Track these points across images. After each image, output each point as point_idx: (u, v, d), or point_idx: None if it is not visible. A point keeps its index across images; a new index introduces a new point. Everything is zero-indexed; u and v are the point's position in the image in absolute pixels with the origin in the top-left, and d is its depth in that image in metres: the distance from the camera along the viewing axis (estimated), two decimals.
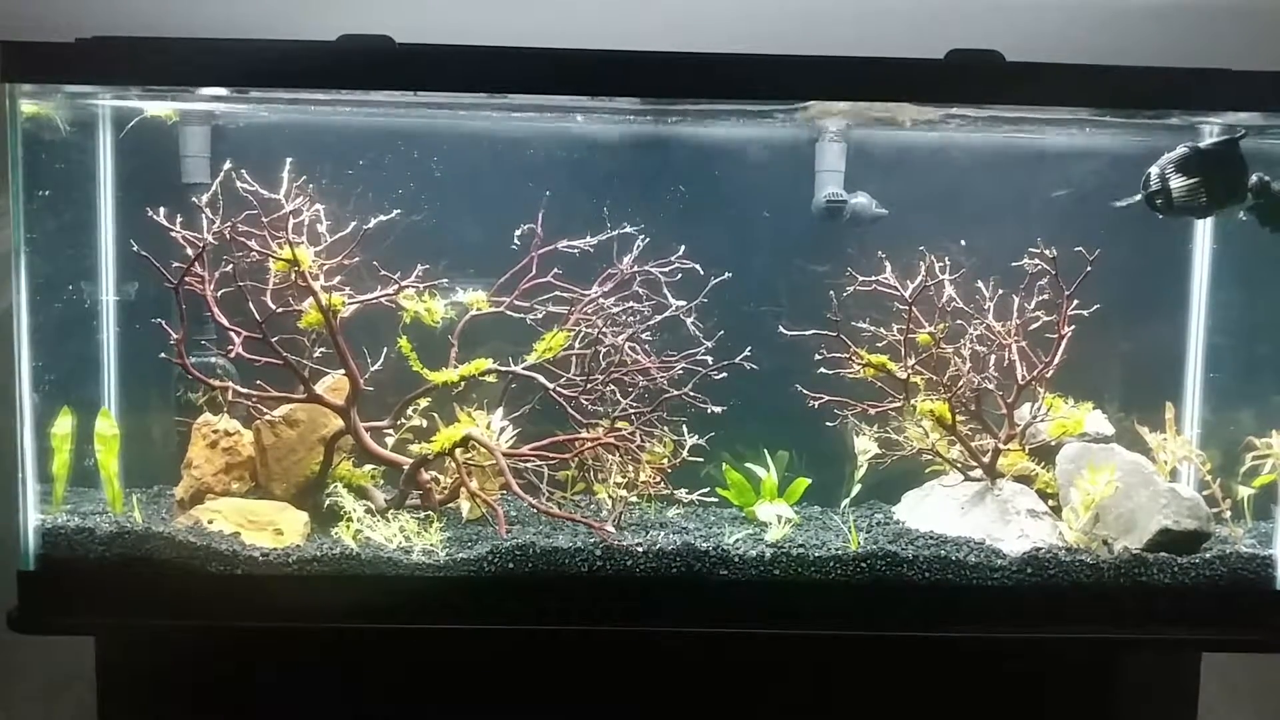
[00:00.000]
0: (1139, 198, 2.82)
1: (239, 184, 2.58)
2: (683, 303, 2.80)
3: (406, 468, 2.86)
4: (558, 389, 2.78)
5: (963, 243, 2.87)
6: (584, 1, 3.11)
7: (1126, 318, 3.08)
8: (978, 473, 2.99)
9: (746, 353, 2.79)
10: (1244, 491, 2.92)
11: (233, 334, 2.67)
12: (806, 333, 2.84)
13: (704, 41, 2.49)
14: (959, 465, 3.01)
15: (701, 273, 2.80)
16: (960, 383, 2.89)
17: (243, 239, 2.62)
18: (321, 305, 2.65)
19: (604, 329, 2.84)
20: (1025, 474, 3.01)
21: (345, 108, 2.97)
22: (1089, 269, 2.73)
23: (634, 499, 2.90)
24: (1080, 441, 2.95)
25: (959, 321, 2.88)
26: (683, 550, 2.65)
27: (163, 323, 2.66)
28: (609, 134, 3.12)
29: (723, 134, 3.13)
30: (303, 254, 2.63)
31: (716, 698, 2.73)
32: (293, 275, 2.65)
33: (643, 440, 2.85)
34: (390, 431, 2.91)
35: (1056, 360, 2.84)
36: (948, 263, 2.83)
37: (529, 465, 2.88)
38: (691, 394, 2.81)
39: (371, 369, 2.77)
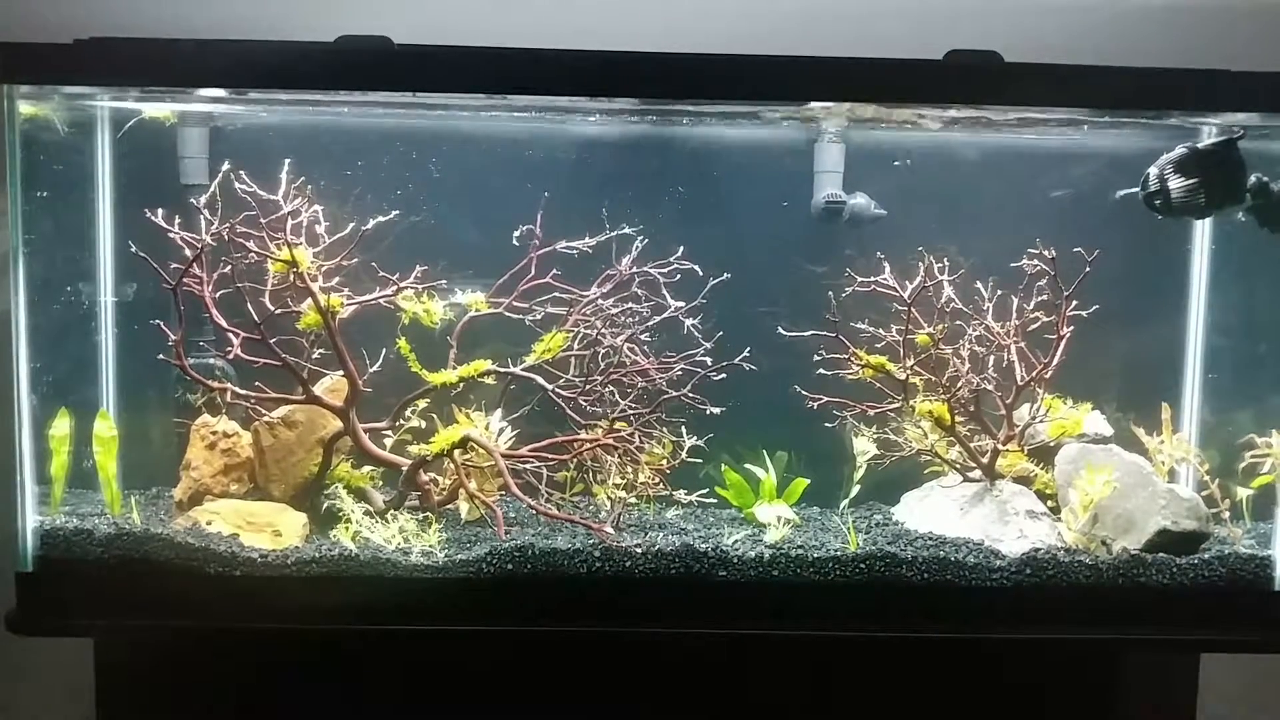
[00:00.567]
0: (1138, 196, 2.82)
1: (237, 185, 2.57)
2: (681, 303, 2.80)
3: (405, 469, 2.86)
4: (556, 390, 2.78)
5: (961, 244, 2.87)
6: (582, 2, 3.11)
7: (1125, 318, 3.08)
8: (976, 474, 2.99)
9: (745, 353, 2.79)
10: (1243, 492, 2.93)
11: (231, 335, 2.66)
12: (805, 333, 2.84)
13: (703, 42, 2.49)
14: (958, 466, 3.01)
15: (700, 274, 2.80)
16: (959, 384, 2.89)
17: (241, 240, 2.62)
18: (320, 306, 2.65)
19: (603, 330, 2.84)
20: (1024, 475, 3.01)
21: (344, 109, 2.96)
22: (1088, 270, 2.73)
23: (633, 500, 2.89)
24: (1079, 442, 2.95)
25: (958, 322, 2.88)
26: (682, 551, 2.64)
27: (161, 324, 2.66)
28: (607, 135, 3.12)
29: (721, 135, 3.13)
30: (301, 255, 2.63)
31: (715, 699, 2.73)
32: (291, 276, 2.64)
33: (641, 441, 2.84)
34: (389, 433, 2.91)
35: (1055, 361, 2.84)
36: (946, 263, 2.83)
37: (528, 466, 2.88)
38: (690, 395, 2.81)
39: (370, 370, 2.77)
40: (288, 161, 2.59)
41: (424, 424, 2.91)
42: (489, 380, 2.83)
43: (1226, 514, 2.91)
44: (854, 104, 2.76)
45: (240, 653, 2.67)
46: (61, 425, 2.80)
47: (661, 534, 2.80)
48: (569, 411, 2.78)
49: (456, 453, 2.81)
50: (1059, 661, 2.73)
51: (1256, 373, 3.14)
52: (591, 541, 2.68)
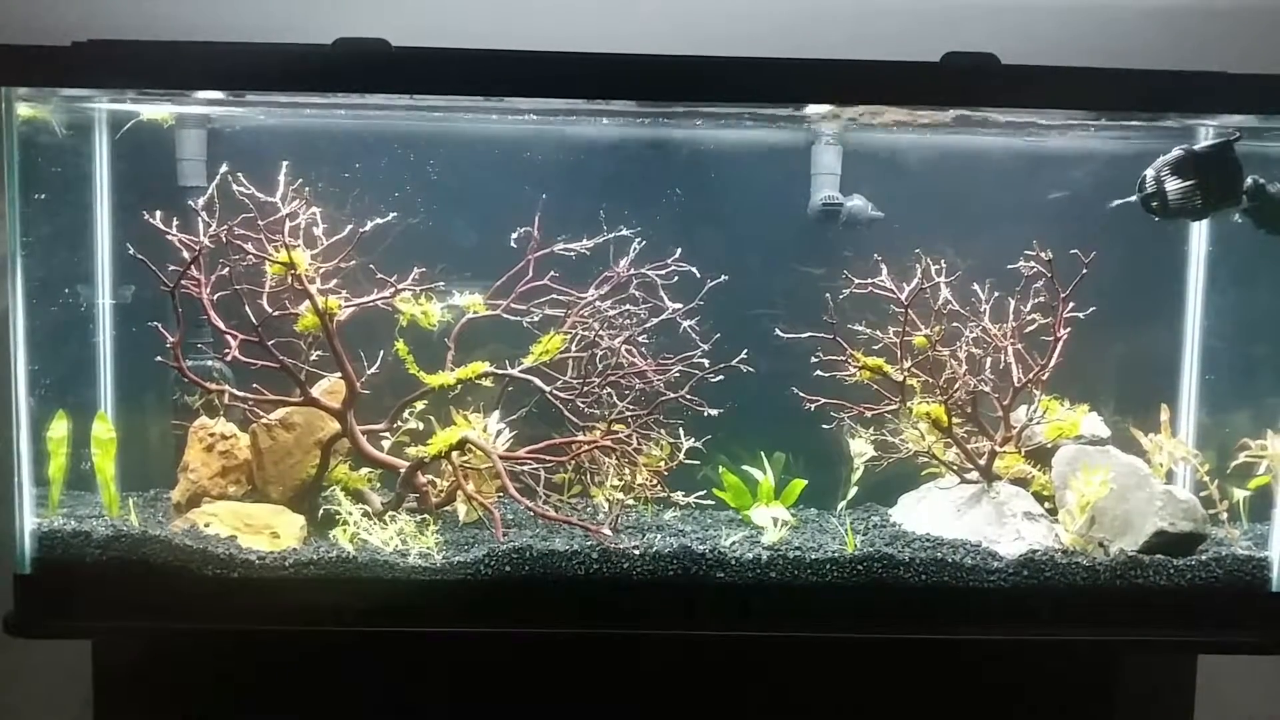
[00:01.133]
0: (1134, 198, 2.83)
1: (235, 187, 2.58)
2: (679, 305, 2.80)
3: (403, 471, 2.86)
4: (554, 392, 2.78)
5: (958, 246, 2.88)
6: (579, 4, 3.11)
7: (1122, 320, 3.08)
8: (974, 475, 2.99)
9: (743, 355, 2.79)
10: (1240, 493, 2.93)
11: (229, 337, 2.67)
12: (803, 335, 2.84)
13: (700, 44, 2.49)
14: (955, 468, 3.01)
15: (698, 275, 2.80)
16: (956, 385, 2.89)
17: (239, 242, 2.62)
18: (318, 308, 2.65)
19: (600, 332, 2.84)
20: (1021, 476, 3.01)
21: (341, 111, 2.97)
22: (1084, 271, 2.73)
23: (631, 502, 2.90)
24: (1076, 444, 2.96)
25: (955, 324, 2.88)
26: (679, 553, 2.65)
27: (159, 326, 2.66)
28: (605, 137, 3.13)
29: (719, 137, 3.13)
30: (299, 257, 2.63)
31: (714, 700, 2.73)
32: (289, 278, 2.65)
33: (639, 443, 2.85)
34: (387, 434, 2.91)
35: (1052, 363, 2.84)
36: (944, 265, 2.84)
37: (526, 468, 2.88)
38: (688, 396, 2.81)
39: (368, 372, 2.77)
40: (285, 163, 2.59)
41: (422, 426, 2.91)
42: (487, 382, 2.83)
43: (1224, 515, 2.91)
44: (851, 106, 2.76)
45: (238, 654, 2.67)
46: (60, 427, 2.80)
47: (659, 536, 2.80)
48: (566, 413, 2.79)
49: (454, 454, 2.81)
50: (1056, 663, 2.73)
51: (1253, 374, 3.14)
52: (589, 543, 2.68)
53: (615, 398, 2.85)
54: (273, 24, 2.99)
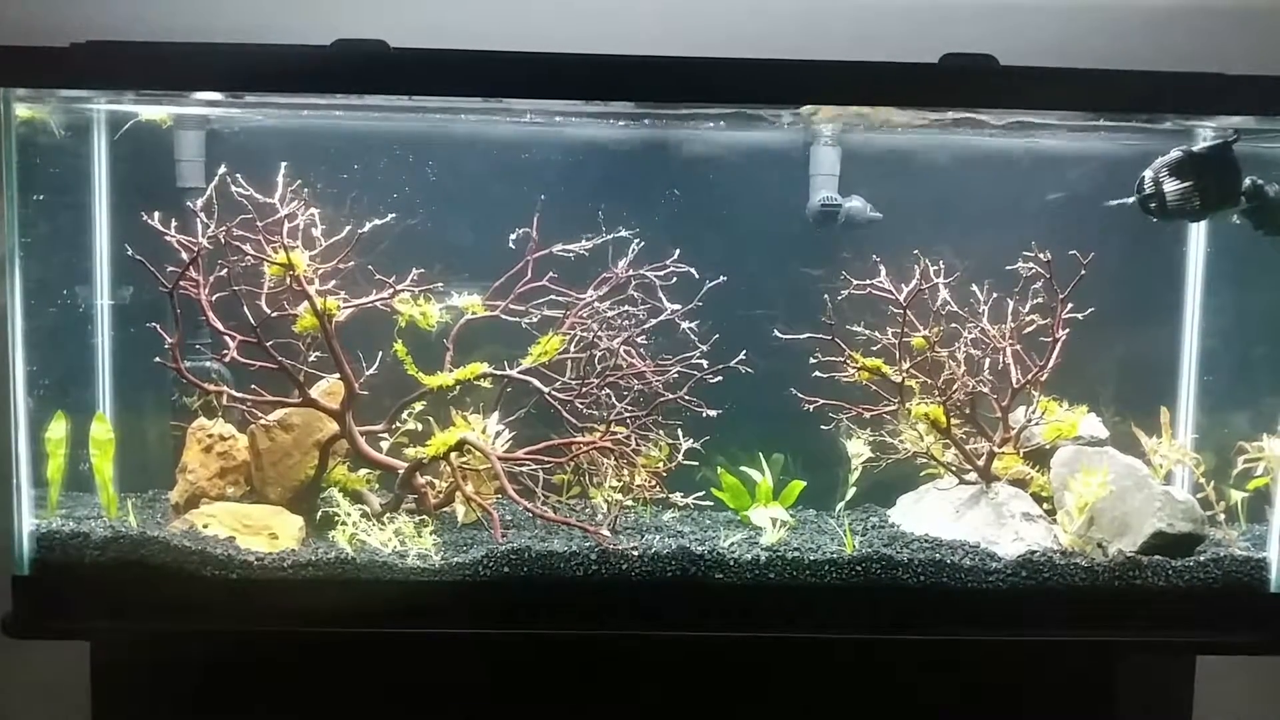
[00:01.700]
0: (1133, 200, 2.83)
1: (234, 188, 2.58)
2: (678, 306, 2.80)
3: (402, 472, 2.86)
4: (553, 393, 2.78)
5: (956, 247, 2.88)
6: (579, 4, 3.11)
7: (1121, 321, 3.08)
8: (972, 476, 2.99)
9: (741, 356, 2.79)
10: (1238, 495, 2.93)
11: (228, 338, 2.67)
12: (801, 336, 2.85)
13: (699, 46, 2.49)
14: (954, 469, 3.01)
15: (696, 276, 2.80)
16: (955, 386, 2.90)
17: (238, 243, 2.62)
18: (316, 309, 2.65)
19: (599, 333, 2.84)
20: (1020, 477, 3.01)
21: (340, 112, 2.97)
22: (1083, 272, 2.74)
23: (629, 503, 2.90)
24: (1075, 445, 2.96)
25: (954, 325, 2.88)
26: (678, 554, 2.65)
27: (157, 327, 2.66)
28: (604, 138, 3.13)
29: (717, 138, 3.13)
30: (298, 258, 2.63)
31: (713, 701, 2.73)
32: (288, 279, 2.65)
33: (638, 444, 2.85)
34: (385, 435, 2.91)
35: (1051, 364, 2.85)
36: (942, 266, 2.84)
37: (524, 469, 2.88)
38: (687, 397, 2.81)
39: (367, 373, 2.77)
40: (284, 164, 2.59)
41: (420, 427, 2.91)
42: (485, 383, 2.83)
43: (1222, 516, 2.91)
44: (850, 107, 2.76)
45: (237, 655, 2.67)
46: (58, 428, 2.80)
47: (658, 537, 2.80)
48: (565, 414, 2.79)
49: (453, 455, 2.81)
50: (1055, 664, 2.73)
51: (1252, 375, 3.14)
52: (588, 544, 2.68)
53: (614, 399, 2.85)
54: (272, 25, 2.98)
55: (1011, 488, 2.97)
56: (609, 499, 2.87)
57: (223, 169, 2.58)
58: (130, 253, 2.62)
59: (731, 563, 2.65)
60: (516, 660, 2.70)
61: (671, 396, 2.82)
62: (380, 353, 2.77)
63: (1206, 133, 2.84)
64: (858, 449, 3.01)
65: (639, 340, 2.85)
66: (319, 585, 2.59)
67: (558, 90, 2.58)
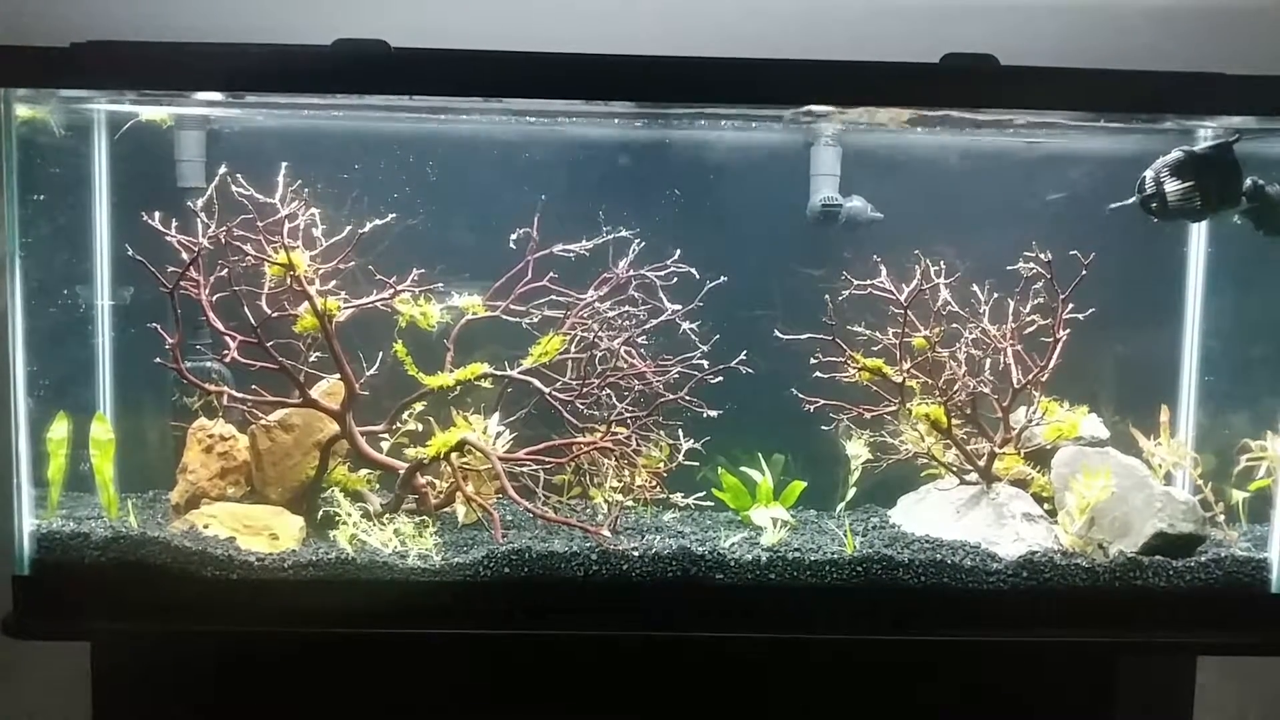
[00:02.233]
0: (1134, 200, 2.83)
1: (234, 188, 2.58)
2: (678, 307, 2.80)
3: (402, 472, 2.86)
4: (553, 393, 2.78)
5: (957, 247, 2.88)
6: (580, 4, 3.11)
7: (1122, 321, 3.08)
8: (973, 476, 2.99)
9: (742, 356, 2.79)
10: (1239, 495, 2.93)
11: (228, 338, 2.66)
12: (802, 336, 2.84)
13: (699, 45, 2.49)
14: (954, 469, 3.01)
15: (697, 277, 2.80)
16: (956, 386, 2.89)
17: (238, 243, 2.62)
18: (317, 310, 2.65)
19: (599, 333, 2.84)
20: (1021, 478, 3.01)
21: (340, 112, 2.97)
22: (1084, 273, 2.73)
23: (630, 503, 2.89)
24: (1075, 445, 2.95)
25: (954, 325, 2.88)
26: (678, 554, 2.65)
27: (158, 327, 2.66)
28: (604, 138, 3.12)
29: (718, 138, 3.13)
30: (298, 258, 2.63)
31: (713, 701, 2.73)
32: (288, 280, 2.65)
33: (638, 444, 2.84)
34: (386, 436, 2.91)
35: (1052, 364, 2.84)
36: (943, 266, 2.84)
37: (525, 470, 2.88)
38: (687, 398, 2.81)
39: (367, 373, 2.77)
40: (285, 165, 2.59)
41: (421, 427, 2.91)
42: (486, 383, 2.83)
43: (1223, 517, 2.91)
44: (850, 107, 2.76)
45: (236, 656, 2.67)
46: (59, 428, 2.80)
47: (658, 537, 2.80)
48: (566, 415, 2.78)
49: (453, 456, 2.80)
50: (1055, 665, 2.73)
51: (1253, 376, 3.14)
52: (589, 545, 2.68)
53: (614, 399, 2.85)
54: (272, 25, 2.98)
55: (1012, 488, 2.97)
56: (609, 499, 2.87)
57: (223, 169, 2.58)
58: (130, 253, 2.62)
59: (732, 563, 2.65)
60: (517, 661, 2.70)
61: (672, 397, 2.82)
62: (380, 353, 2.77)
63: (1207, 133, 2.84)
64: (857, 450, 3.01)
65: (639, 340, 2.85)
66: (319, 586, 2.58)
67: (558, 90, 2.57)
